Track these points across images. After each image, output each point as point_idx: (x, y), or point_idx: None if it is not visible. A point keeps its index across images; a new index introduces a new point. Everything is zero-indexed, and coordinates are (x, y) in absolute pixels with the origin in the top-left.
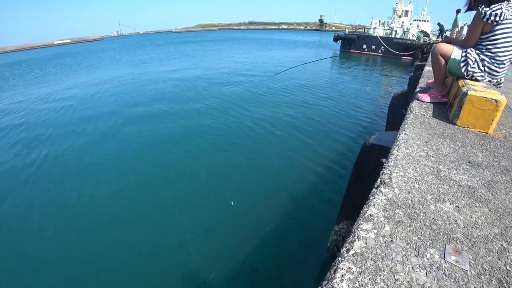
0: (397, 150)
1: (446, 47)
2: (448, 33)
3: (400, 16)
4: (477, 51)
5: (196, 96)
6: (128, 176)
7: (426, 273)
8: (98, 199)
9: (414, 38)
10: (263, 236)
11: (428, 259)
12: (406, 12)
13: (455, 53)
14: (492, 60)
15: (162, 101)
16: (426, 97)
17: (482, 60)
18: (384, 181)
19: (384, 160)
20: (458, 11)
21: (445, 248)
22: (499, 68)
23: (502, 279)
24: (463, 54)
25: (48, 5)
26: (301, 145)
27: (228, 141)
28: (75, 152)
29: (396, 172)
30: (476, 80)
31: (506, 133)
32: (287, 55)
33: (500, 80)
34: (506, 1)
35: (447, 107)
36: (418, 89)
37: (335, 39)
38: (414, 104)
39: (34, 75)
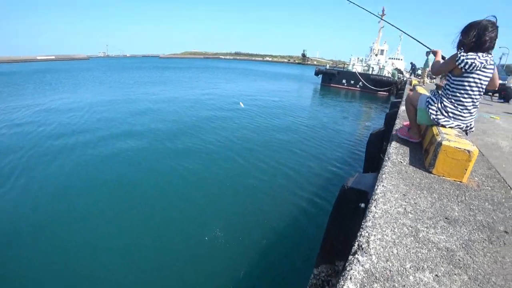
0: (375, 206)
1: (414, 96)
2: (419, 71)
3: (376, 54)
4: (442, 96)
5: (178, 125)
6: (108, 210)
7: None
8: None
9: (389, 75)
10: (240, 275)
11: None
12: (382, 51)
13: (420, 101)
14: (456, 105)
15: (140, 129)
16: (402, 135)
17: (445, 106)
18: (361, 245)
19: (362, 205)
20: (427, 53)
21: None
22: (463, 113)
23: None
24: (426, 103)
25: (32, 17)
26: (282, 179)
27: (206, 173)
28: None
29: (374, 235)
30: (443, 126)
31: (479, 181)
32: (271, 86)
33: (470, 125)
34: (485, 53)
35: (423, 152)
36: (395, 128)
37: (317, 73)
38: (392, 149)
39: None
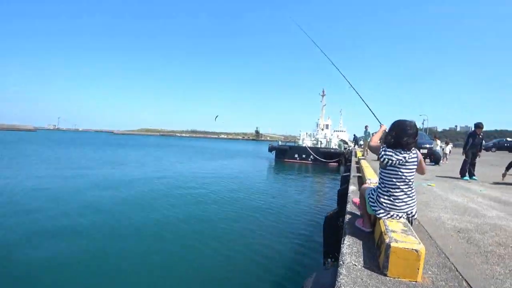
0: None
1: (364, 189)
2: (361, 142)
3: (322, 129)
4: (378, 188)
5: (130, 208)
6: None
7: None
8: None
9: (336, 147)
10: None
11: None
12: (327, 125)
13: (366, 195)
14: (389, 196)
15: (89, 215)
16: (358, 224)
17: (380, 198)
18: None
19: None
20: (366, 127)
21: None
22: (396, 203)
23: None
24: (368, 196)
25: None
26: (232, 276)
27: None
28: None
29: None
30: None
31: (432, 274)
32: (226, 164)
33: (411, 213)
34: (405, 150)
35: (376, 247)
36: (347, 216)
37: (270, 150)
38: (345, 249)
39: None
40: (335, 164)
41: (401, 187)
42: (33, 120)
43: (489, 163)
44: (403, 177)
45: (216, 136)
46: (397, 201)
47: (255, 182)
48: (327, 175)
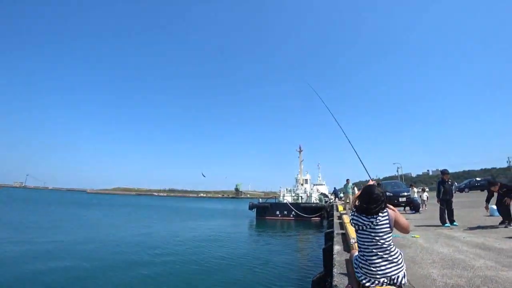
0: None
1: (351, 254)
2: (341, 195)
3: (302, 184)
4: (359, 254)
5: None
6: None
7: None
8: None
9: (317, 201)
10: None
11: None
12: (306, 180)
13: (354, 259)
14: (365, 261)
15: None
16: None
17: (360, 264)
18: None
19: None
20: (348, 181)
21: None
22: (371, 267)
23: None
24: (354, 261)
25: None
26: None
27: None
28: None
29: None
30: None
31: None
32: (206, 225)
33: (396, 278)
34: (371, 215)
35: None
36: (334, 280)
37: (250, 208)
38: None
39: None
40: (318, 218)
41: (374, 251)
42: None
43: (465, 206)
44: (374, 240)
45: (195, 195)
46: (372, 265)
47: (237, 243)
48: (311, 230)
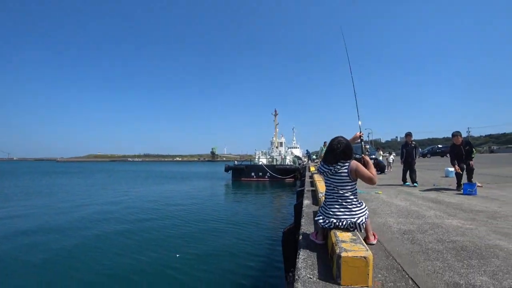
0: None
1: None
2: (314, 157)
3: (277, 147)
4: (324, 199)
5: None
6: None
7: None
8: None
9: (291, 163)
10: None
11: None
12: (281, 143)
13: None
14: (326, 204)
15: None
16: (312, 236)
17: (322, 207)
18: None
19: None
20: (325, 143)
21: None
22: (329, 209)
23: None
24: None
25: None
26: None
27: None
28: None
29: None
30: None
31: (382, 278)
32: (183, 188)
33: (357, 220)
34: (332, 163)
35: (329, 256)
36: (302, 228)
37: (226, 170)
38: (300, 263)
39: None
40: (291, 179)
41: (335, 197)
42: None
43: (426, 168)
44: (332, 185)
45: (171, 159)
46: (330, 207)
47: (213, 202)
48: (284, 190)
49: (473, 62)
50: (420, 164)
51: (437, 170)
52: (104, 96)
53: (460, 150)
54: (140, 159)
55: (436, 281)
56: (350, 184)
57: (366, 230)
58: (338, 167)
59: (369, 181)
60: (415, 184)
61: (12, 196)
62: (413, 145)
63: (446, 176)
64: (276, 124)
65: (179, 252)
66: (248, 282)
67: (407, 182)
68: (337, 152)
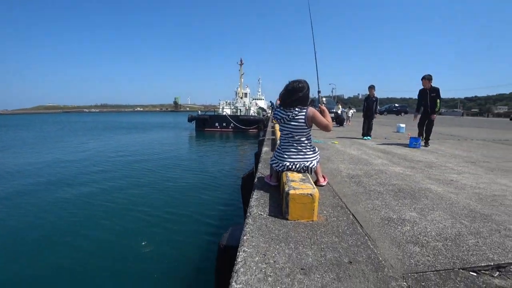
0: (235, 281)
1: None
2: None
3: (241, 97)
4: (278, 144)
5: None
6: None
7: None
8: None
9: (255, 114)
10: None
11: None
12: (246, 93)
13: None
14: (281, 149)
15: None
16: (266, 179)
17: (276, 151)
18: None
19: None
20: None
21: None
22: (284, 153)
23: None
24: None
25: None
26: (155, 241)
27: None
28: None
29: None
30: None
31: (327, 214)
32: (144, 138)
33: (309, 164)
34: (290, 108)
35: (280, 196)
36: (257, 173)
37: (190, 120)
38: (253, 201)
39: None
40: (255, 130)
41: (290, 141)
42: None
43: (381, 124)
44: (288, 131)
45: (131, 110)
46: (285, 151)
47: (175, 152)
48: (247, 140)
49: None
50: (376, 120)
51: (390, 126)
52: (55, 37)
53: (426, 96)
54: (97, 110)
55: (373, 216)
56: (306, 130)
57: (316, 173)
58: (296, 112)
59: (325, 128)
60: (368, 137)
61: None
62: (374, 99)
63: (397, 132)
64: (242, 74)
65: (140, 197)
66: (206, 225)
67: (365, 136)
68: (296, 92)
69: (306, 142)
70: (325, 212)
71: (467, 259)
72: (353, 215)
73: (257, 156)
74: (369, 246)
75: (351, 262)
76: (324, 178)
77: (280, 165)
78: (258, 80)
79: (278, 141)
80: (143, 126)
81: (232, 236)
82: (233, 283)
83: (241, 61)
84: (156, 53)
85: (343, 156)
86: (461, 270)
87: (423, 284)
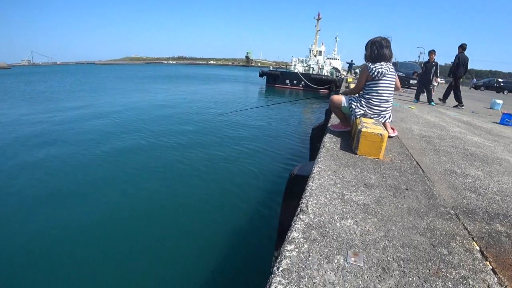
0: (312, 181)
1: (336, 99)
2: (358, 70)
3: (315, 55)
4: (361, 97)
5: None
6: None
7: (334, 274)
8: None
9: (328, 74)
10: (206, 268)
11: (335, 263)
12: (320, 52)
13: (343, 101)
14: (375, 99)
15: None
16: (335, 128)
17: (360, 100)
18: (302, 209)
19: None
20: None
21: (347, 253)
22: (381, 103)
23: (385, 267)
24: (349, 101)
25: None
26: (237, 175)
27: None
28: None
29: (311, 201)
30: (362, 116)
31: (392, 157)
32: (218, 89)
33: (388, 116)
34: (384, 62)
35: (351, 138)
36: (329, 124)
37: (261, 75)
38: (326, 139)
39: None
40: (326, 90)
41: (383, 94)
42: (5, 57)
43: (472, 98)
44: (388, 86)
45: (205, 63)
46: (383, 101)
47: (246, 106)
48: (318, 99)
49: None
50: (469, 94)
51: (482, 102)
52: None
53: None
54: (174, 62)
55: (437, 166)
56: (393, 88)
57: (385, 126)
58: (390, 67)
59: (397, 89)
60: (432, 103)
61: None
62: (433, 63)
63: (491, 108)
64: (318, 30)
65: (217, 142)
66: (277, 168)
67: (416, 100)
68: (388, 49)
69: (392, 99)
70: (390, 155)
71: None
72: (417, 162)
73: (327, 111)
74: (426, 183)
75: (407, 189)
76: (393, 129)
77: (361, 111)
78: (335, 38)
79: (360, 94)
80: (215, 78)
81: (302, 168)
82: (310, 183)
83: (318, 15)
84: (228, 7)
85: (418, 120)
86: None
87: (470, 216)
